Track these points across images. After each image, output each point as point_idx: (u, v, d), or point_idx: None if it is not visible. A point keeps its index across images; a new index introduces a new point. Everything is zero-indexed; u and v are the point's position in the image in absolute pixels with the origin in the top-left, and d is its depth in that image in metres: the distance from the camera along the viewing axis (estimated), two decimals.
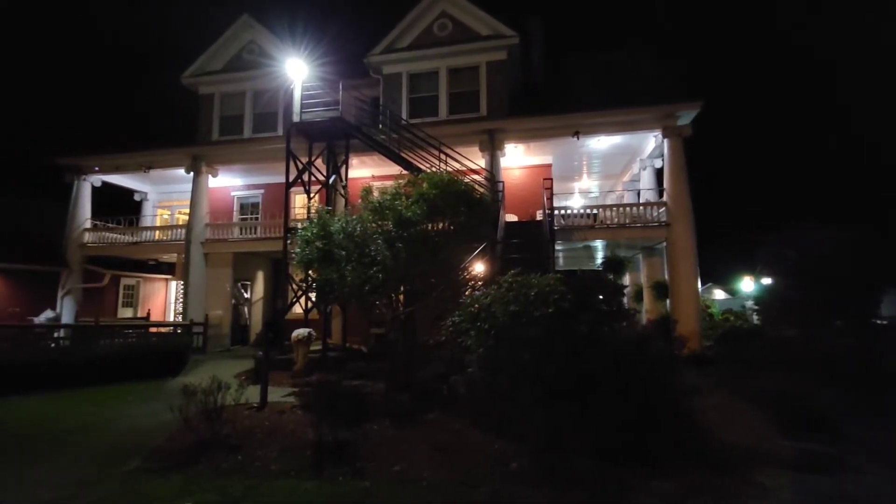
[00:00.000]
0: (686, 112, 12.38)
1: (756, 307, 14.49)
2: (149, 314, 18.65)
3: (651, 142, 13.90)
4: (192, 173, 15.64)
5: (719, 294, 29.57)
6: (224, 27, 16.31)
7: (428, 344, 8.98)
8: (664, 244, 12.72)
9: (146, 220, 18.74)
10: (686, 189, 12.38)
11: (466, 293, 8.73)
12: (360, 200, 9.86)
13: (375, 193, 9.79)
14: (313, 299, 12.27)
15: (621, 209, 13.04)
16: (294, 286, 12.39)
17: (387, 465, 5.29)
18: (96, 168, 16.81)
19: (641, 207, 12.99)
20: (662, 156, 13.26)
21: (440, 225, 9.45)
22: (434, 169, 11.49)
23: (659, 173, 14.44)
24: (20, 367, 9.22)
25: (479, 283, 9.42)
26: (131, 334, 13.34)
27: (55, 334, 13.01)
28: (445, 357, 7.67)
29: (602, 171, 17.04)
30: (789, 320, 10.76)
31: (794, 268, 10.23)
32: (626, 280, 15.67)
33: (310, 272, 10.35)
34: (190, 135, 16.29)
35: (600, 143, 14.12)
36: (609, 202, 16.05)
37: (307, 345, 10.30)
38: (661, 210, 12.62)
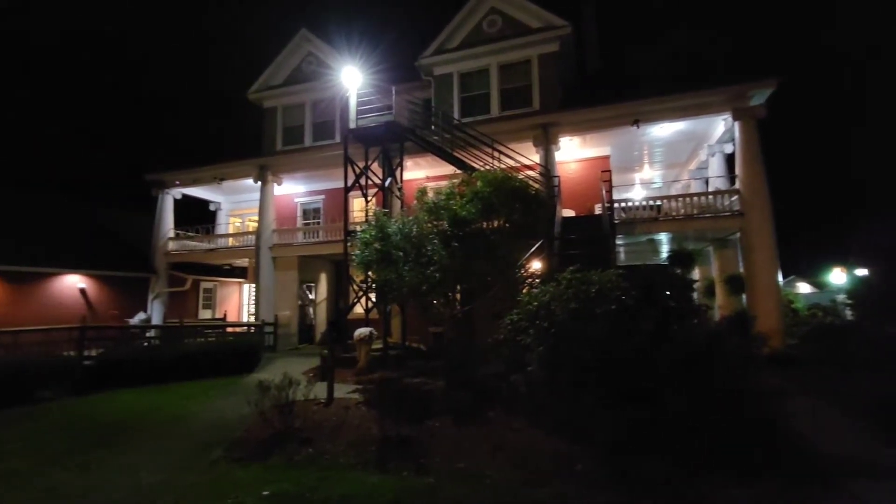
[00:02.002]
0: (759, 91, 11.42)
1: (849, 301, 13.12)
2: (225, 315, 20.12)
3: (720, 126, 12.97)
4: (259, 182, 16.67)
5: (804, 287, 27.10)
6: (280, 39, 17.26)
7: (486, 342, 8.97)
8: (738, 235, 11.83)
9: (220, 229, 20.25)
10: (762, 174, 11.43)
11: (524, 291, 8.62)
12: (415, 202, 10.03)
13: (430, 194, 9.92)
14: (373, 299, 12.65)
15: (688, 199, 12.27)
16: (355, 287, 12.83)
17: (449, 461, 5.34)
18: (177, 182, 18.38)
19: (711, 196, 12.16)
20: (733, 140, 12.32)
21: (495, 223, 9.41)
22: (487, 167, 11.44)
23: (730, 159, 13.44)
24: (120, 364, 10.32)
25: (537, 280, 9.27)
26: (210, 334, 14.44)
27: (147, 334, 14.36)
28: (504, 355, 7.62)
29: (665, 159, 16.14)
30: (891, 314, 9.62)
31: None
32: (696, 274, 14.74)
33: (369, 273, 10.69)
34: (256, 146, 17.40)
35: (662, 131, 13.38)
36: (674, 192, 15.18)
37: (369, 343, 10.63)
38: (733, 198, 11.74)
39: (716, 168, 13.91)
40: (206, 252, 18.20)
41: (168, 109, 49.56)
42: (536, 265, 10.16)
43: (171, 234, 18.51)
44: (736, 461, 4.88)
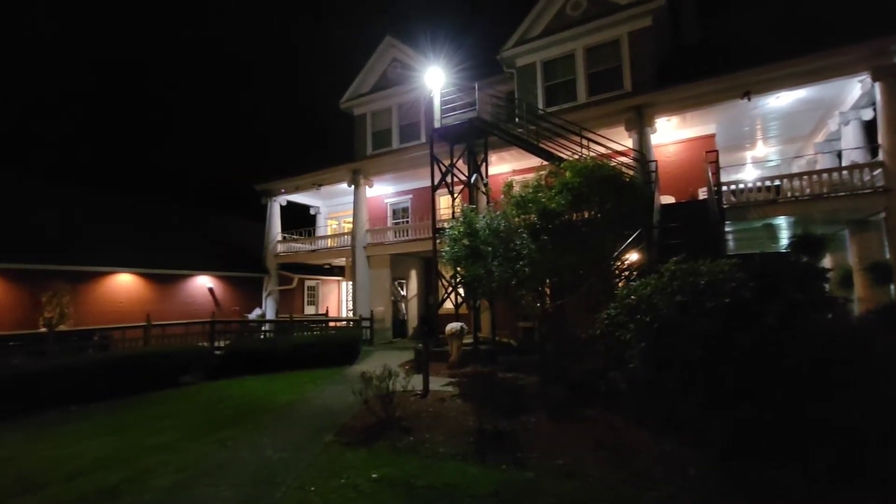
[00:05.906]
0: None
1: None
2: (327, 311, 21.79)
3: (855, 89, 11.14)
4: (352, 186, 17.75)
5: None
6: (368, 45, 18.15)
7: (580, 337, 8.67)
8: (882, 215, 10.10)
9: (319, 231, 21.93)
10: None
11: (620, 284, 8.18)
12: (502, 196, 9.98)
13: (516, 188, 9.80)
14: (462, 294, 12.83)
15: (815, 176, 10.73)
16: (444, 282, 13.13)
17: (548, 457, 5.26)
18: (282, 190, 20.25)
19: (845, 172, 10.51)
20: (873, 104, 10.55)
21: (587, 214, 9.05)
22: (576, 156, 11.03)
23: (869, 127, 11.51)
24: (243, 354, 11.66)
25: (634, 272, 8.74)
26: (315, 328, 15.74)
27: (263, 328, 16.05)
28: (601, 351, 7.31)
29: (783, 133, 14.26)
30: None
31: None
32: (827, 262, 12.86)
33: (458, 269, 10.86)
34: (348, 152, 18.54)
35: (779, 101, 11.84)
36: (796, 170, 13.38)
37: (460, 338, 10.83)
38: (875, 172, 10.05)
39: (850, 139, 11.99)
40: (308, 253, 19.84)
41: (263, 123, 54.80)
42: (633, 257, 9.58)
43: (279, 237, 20.45)
44: (886, 476, 4.19)
